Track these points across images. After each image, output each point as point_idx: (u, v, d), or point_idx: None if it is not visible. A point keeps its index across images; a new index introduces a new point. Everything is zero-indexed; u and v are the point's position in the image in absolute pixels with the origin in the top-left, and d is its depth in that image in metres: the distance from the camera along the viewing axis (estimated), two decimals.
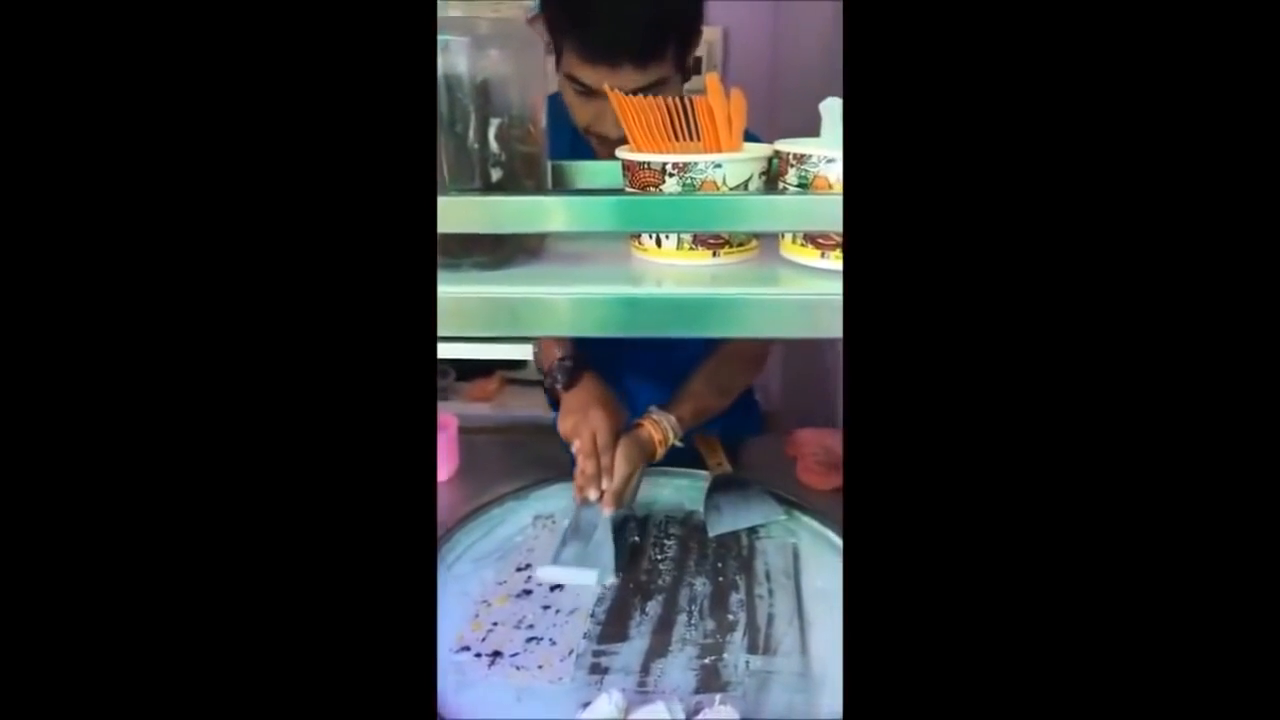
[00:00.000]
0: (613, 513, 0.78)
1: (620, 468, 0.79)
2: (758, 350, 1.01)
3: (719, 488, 0.86)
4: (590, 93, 0.76)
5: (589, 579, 0.73)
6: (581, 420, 0.80)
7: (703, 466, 0.90)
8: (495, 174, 0.41)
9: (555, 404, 0.89)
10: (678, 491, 0.90)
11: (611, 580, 0.74)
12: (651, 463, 0.84)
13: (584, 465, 0.79)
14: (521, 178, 0.45)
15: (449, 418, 0.96)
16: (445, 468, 0.93)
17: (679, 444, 0.86)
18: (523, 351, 0.43)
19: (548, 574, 0.74)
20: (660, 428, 0.84)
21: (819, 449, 0.95)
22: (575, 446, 0.80)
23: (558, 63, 0.78)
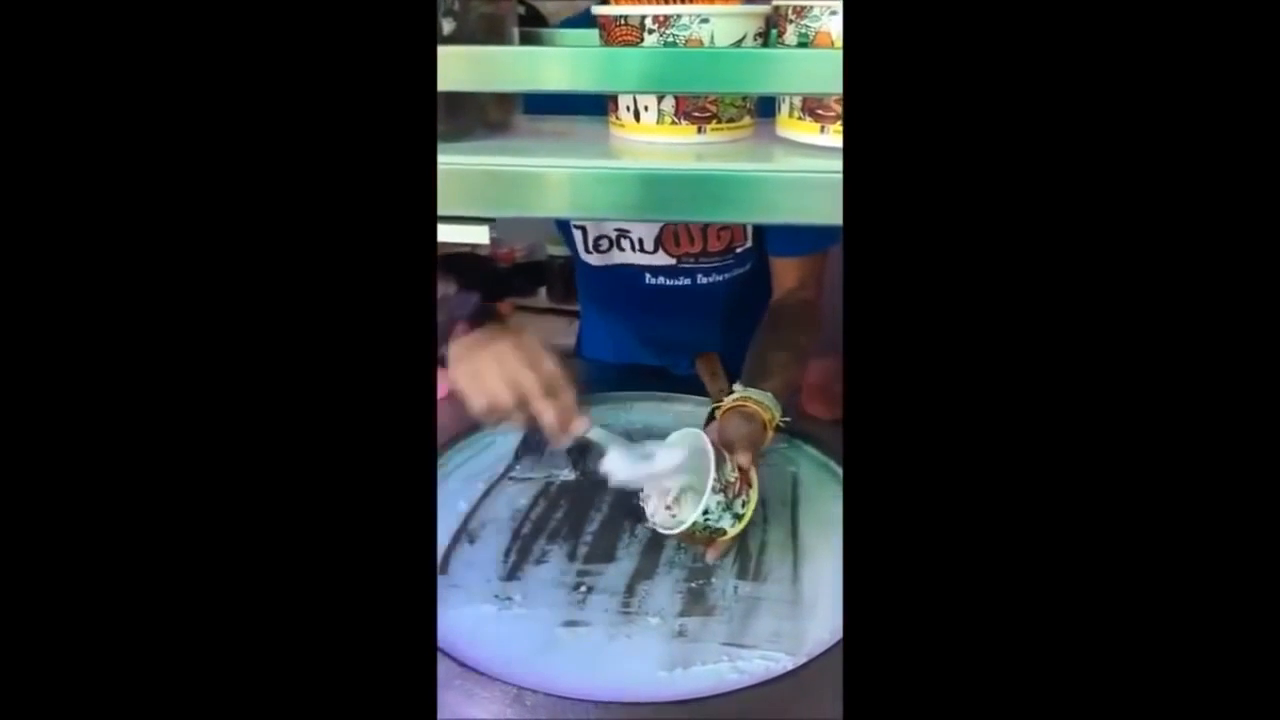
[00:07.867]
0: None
1: (744, 458, 0.63)
2: (808, 301, 0.88)
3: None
4: None
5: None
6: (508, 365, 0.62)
7: (703, 393, 0.86)
8: (447, 25, 0.36)
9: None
10: (677, 418, 0.86)
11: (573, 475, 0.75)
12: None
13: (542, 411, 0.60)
14: (480, 41, 0.40)
15: None
16: (440, 386, 0.90)
17: (784, 422, 0.72)
18: (478, 235, 0.38)
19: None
20: (765, 406, 0.70)
21: (824, 378, 0.90)
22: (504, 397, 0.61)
23: None
